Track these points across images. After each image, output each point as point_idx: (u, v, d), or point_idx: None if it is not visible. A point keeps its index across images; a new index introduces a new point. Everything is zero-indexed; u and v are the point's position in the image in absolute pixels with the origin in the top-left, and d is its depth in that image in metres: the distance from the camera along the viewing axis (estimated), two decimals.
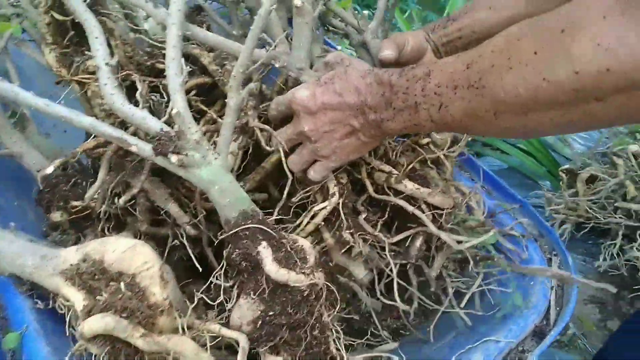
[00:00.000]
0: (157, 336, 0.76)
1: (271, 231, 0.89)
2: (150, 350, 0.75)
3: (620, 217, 1.84)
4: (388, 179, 1.05)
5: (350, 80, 0.87)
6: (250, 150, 1.11)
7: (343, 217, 1.01)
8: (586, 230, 1.90)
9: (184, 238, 1.07)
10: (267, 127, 1.04)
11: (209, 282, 0.93)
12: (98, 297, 0.78)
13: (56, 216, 1.06)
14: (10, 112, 1.17)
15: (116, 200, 1.02)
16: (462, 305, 1.14)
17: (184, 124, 0.88)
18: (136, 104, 0.97)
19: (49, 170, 1.01)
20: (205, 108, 1.09)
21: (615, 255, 1.85)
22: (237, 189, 0.93)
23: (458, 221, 1.19)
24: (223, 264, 0.93)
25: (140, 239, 1.04)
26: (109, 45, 1.02)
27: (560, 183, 2.00)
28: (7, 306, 0.99)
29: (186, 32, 0.97)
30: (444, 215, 1.06)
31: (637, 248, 1.76)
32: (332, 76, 0.90)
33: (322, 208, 1.00)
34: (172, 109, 0.87)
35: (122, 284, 0.79)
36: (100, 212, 1.06)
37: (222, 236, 0.92)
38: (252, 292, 0.86)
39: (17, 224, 1.01)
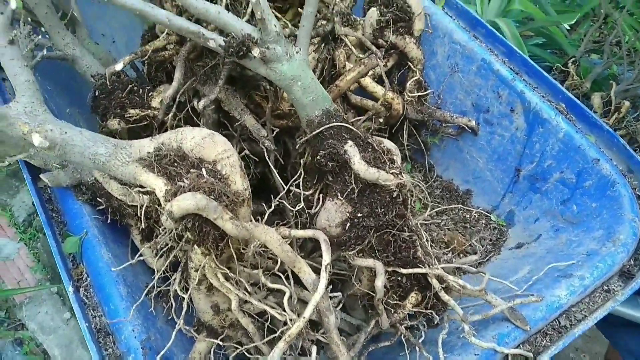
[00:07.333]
0: (245, 222, 0.70)
1: (357, 130, 0.83)
2: (237, 235, 0.68)
3: None
4: None
5: None
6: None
7: None
8: None
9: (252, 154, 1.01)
10: (358, 34, 0.96)
11: (285, 190, 0.87)
12: (180, 183, 0.72)
13: (113, 124, 1.00)
14: (60, 13, 1.08)
15: (189, 104, 0.96)
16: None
17: (264, 14, 0.81)
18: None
19: (119, 66, 0.94)
20: (279, 15, 1.02)
21: None
22: (319, 86, 0.87)
23: None
24: (300, 173, 0.88)
25: None
26: None
27: None
28: (66, 211, 0.95)
29: None
30: None
31: None
32: None
33: None
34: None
35: (203, 170, 0.73)
36: (160, 122, 1.01)
37: (304, 139, 0.86)
38: (339, 194, 0.81)
39: None
